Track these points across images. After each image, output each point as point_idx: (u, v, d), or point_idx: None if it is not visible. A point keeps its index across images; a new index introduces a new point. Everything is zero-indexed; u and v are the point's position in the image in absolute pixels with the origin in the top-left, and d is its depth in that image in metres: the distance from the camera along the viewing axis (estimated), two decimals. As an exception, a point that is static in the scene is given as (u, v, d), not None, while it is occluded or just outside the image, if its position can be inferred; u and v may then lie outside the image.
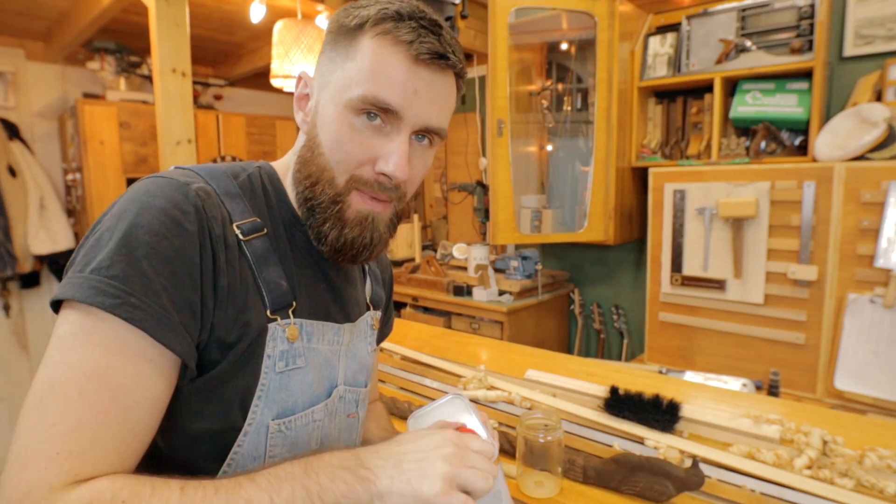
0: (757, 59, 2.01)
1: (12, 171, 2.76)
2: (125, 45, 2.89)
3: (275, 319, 0.59)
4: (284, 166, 0.67)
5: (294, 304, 0.61)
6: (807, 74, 1.94)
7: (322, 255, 0.65)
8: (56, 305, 0.50)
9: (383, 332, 0.86)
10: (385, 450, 0.53)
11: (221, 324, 0.54)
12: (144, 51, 2.95)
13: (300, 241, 0.64)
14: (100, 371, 0.47)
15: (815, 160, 1.85)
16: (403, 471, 0.50)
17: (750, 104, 2.04)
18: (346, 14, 0.59)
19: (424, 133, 0.61)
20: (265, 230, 0.60)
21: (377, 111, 0.57)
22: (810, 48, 1.92)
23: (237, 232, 0.57)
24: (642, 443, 0.95)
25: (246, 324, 0.56)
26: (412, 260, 3.33)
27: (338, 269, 0.69)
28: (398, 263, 3.31)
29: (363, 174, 0.59)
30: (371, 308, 0.78)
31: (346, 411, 0.70)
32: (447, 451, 0.52)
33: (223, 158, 3.02)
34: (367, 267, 0.79)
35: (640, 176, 2.48)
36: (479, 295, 2.64)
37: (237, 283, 0.56)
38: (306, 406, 0.62)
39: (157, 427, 0.51)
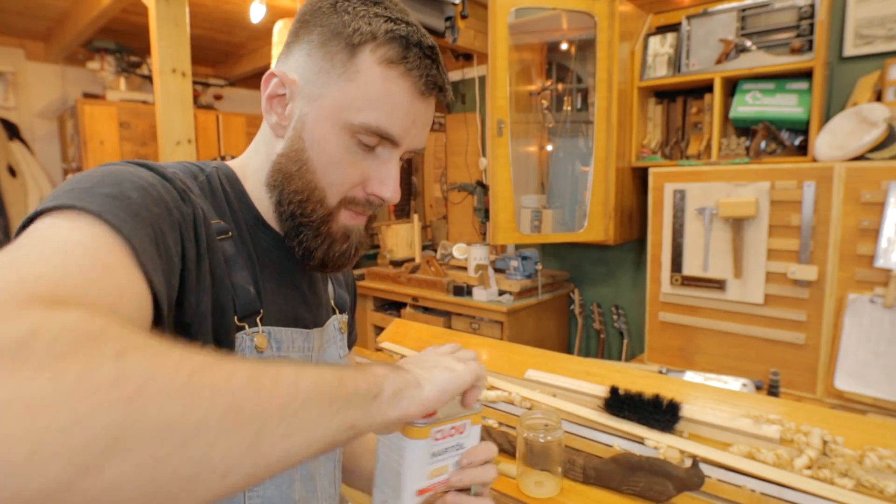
0: (757, 59, 2.01)
1: (12, 171, 2.76)
2: (125, 45, 2.89)
3: (242, 328, 0.56)
4: (242, 167, 0.64)
5: (261, 311, 0.58)
6: (807, 74, 1.94)
7: (288, 256, 0.63)
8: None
9: (349, 339, 0.82)
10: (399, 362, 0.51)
11: (203, 309, 0.50)
12: (144, 51, 2.95)
13: (264, 243, 0.62)
14: (86, 245, 0.36)
15: (815, 160, 1.85)
16: (429, 364, 0.49)
17: (750, 104, 2.04)
18: (340, 21, 0.55)
19: (406, 153, 0.62)
20: (230, 233, 0.58)
21: (377, 138, 0.57)
22: (810, 48, 1.92)
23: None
24: (642, 443, 0.95)
25: (220, 323, 0.53)
26: (412, 260, 3.33)
27: (303, 272, 0.67)
28: (398, 263, 3.31)
29: (355, 195, 0.60)
30: (336, 311, 0.75)
31: None
32: (451, 358, 0.52)
33: (223, 158, 3.03)
34: None
35: (640, 176, 2.48)
36: (479, 295, 2.64)
37: (218, 273, 0.53)
38: None
39: None
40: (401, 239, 3.41)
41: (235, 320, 0.55)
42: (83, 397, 0.24)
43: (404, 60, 0.55)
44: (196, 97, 3.18)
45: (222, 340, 0.54)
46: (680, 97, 2.36)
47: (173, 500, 0.27)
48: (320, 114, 0.57)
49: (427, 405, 0.44)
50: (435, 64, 0.57)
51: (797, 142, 2.00)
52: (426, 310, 2.90)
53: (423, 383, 0.45)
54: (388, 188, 0.59)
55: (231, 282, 0.55)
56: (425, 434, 0.50)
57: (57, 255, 0.34)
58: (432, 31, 2.14)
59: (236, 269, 0.57)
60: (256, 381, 0.32)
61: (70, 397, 0.24)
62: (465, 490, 0.55)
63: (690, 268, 2.02)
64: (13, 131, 2.85)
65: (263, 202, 0.62)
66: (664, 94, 2.44)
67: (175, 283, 0.46)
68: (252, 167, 0.63)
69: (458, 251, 2.93)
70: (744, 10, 2.08)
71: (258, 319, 0.58)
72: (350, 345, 0.80)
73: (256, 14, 2.22)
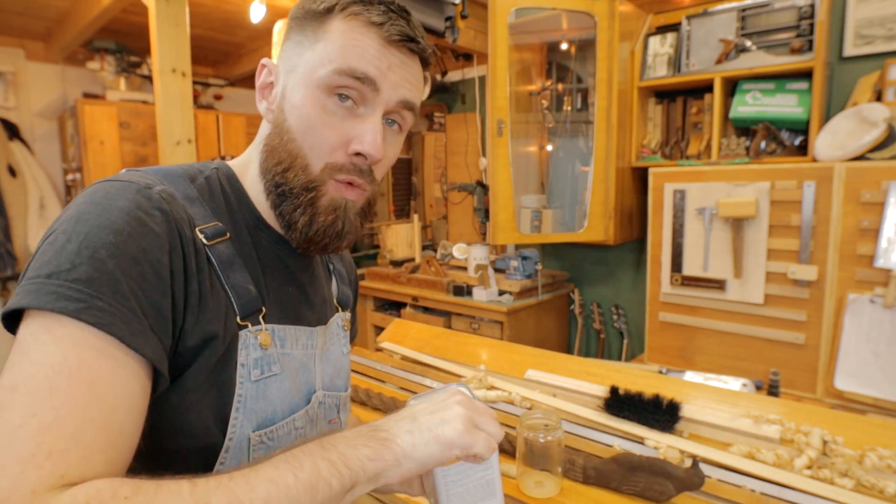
0: (757, 59, 2.01)
1: (12, 171, 2.76)
2: (125, 45, 2.89)
3: (245, 326, 0.56)
4: (243, 165, 0.65)
5: (264, 309, 0.59)
6: (807, 74, 1.94)
7: (289, 255, 0.64)
8: (8, 322, 0.45)
9: (351, 333, 0.82)
10: (396, 415, 0.53)
11: (192, 331, 0.51)
12: (144, 51, 2.95)
13: (265, 243, 0.62)
14: (70, 366, 0.41)
15: (815, 160, 1.85)
16: (421, 424, 0.50)
17: (750, 104, 2.04)
18: (312, 2, 0.59)
19: (398, 113, 0.60)
20: (228, 234, 0.58)
21: (354, 86, 0.56)
22: (810, 48, 1.92)
23: (201, 237, 0.54)
24: (642, 443, 0.95)
25: (215, 332, 0.53)
26: (412, 260, 3.33)
27: (305, 270, 0.67)
28: (398, 263, 3.31)
29: (338, 160, 0.58)
30: (340, 309, 0.76)
31: (326, 417, 0.68)
32: (458, 398, 0.54)
33: (223, 158, 3.02)
34: (331, 266, 0.78)
35: (640, 176, 2.48)
36: (479, 295, 2.64)
37: (207, 288, 0.53)
38: (286, 414, 0.60)
39: (140, 434, 0.46)
40: (401, 239, 3.41)
41: (238, 320, 0.56)
42: None
43: (367, 12, 0.56)
44: (196, 97, 3.17)
45: (221, 345, 0.54)
46: (680, 97, 2.36)
47: None
48: (297, 81, 0.58)
49: (406, 477, 0.49)
50: (402, 19, 0.58)
51: (797, 142, 2.00)
52: (426, 310, 2.90)
53: (402, 461, 0.48)
54: (367, 141, 0.57)
55: (229, 284, 0.56)
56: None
57: (45, 398, 0.39)
58: (432, 31, 2.14)
59: (234, 270, 0.57)
60: None
61: None
62: None
63: (690, 268, 2.02)
64: (13, 131, 2.85)
65: (262, 198, 0.62)
66: (664, 94, 2.44)
67: (171, 330, 0.49)
68: (253, 164, 0.64)
69: (458, 251, 2.93)
70: (744, 10, 2.08)
71: (261, 317, 0.58)
72: (351, 338, 0.81)
73: (256, 14, 2.22)
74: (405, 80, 0.59)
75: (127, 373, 0.44)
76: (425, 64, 0.63)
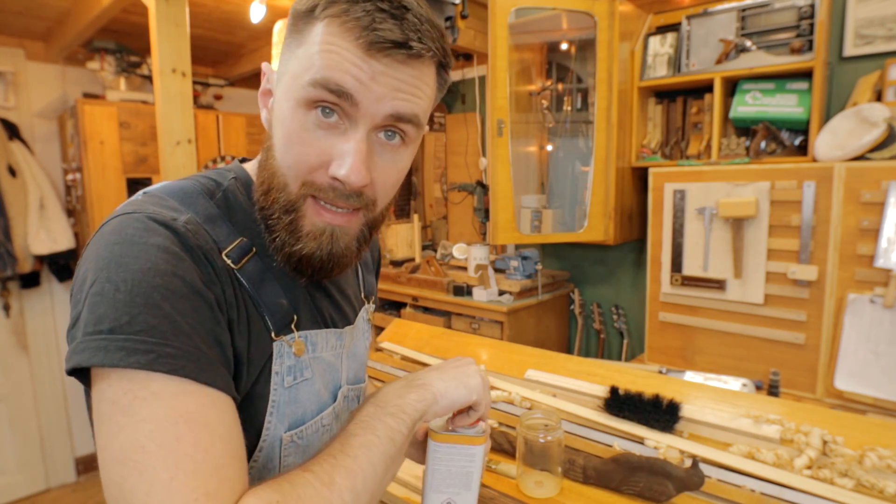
0: (757, 59, 2.01)
1: (12, 171, 2.76)
2: (125, 45, 2.89)
3: (279, 339, 0.57)
4: (254, 172, 0.63)
5: (296, 317, 0.59)
6: (807, 74, 1.94)
7: None
8: (77, 372, 0.45)
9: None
10: (426, 369, 0.64)
11: (235, 356, 0.52)
12: (144, 51, 2.95)
13: None
14: (179, 414, 0.43)
15: (815, 160, 1.85)
16: (449, 374, 0.62)
17: (750, 104, 2.04)
18: (300, 2, 0.53)
19: (393, 126, 0.53)
20: (254, 249, 0.56)
21: (332, 100, 0.50)
22: (810, 48, 1.92)
23: (228, 262, 0.53)
24: (642, 443, 0.95)
25: (252, 354, 0.54)
26: (412, 260, 3.33)
27: None
28: (398, 263, 3.31)
29: (316, 179, 0.53)
30: (366, 301, 0.78)
31: (350, 409, 0.71)
32: (474, 367, 0.65)
33: (223, 158, 3.02)
34: None
35: (640, 176, 2.48)
36: (479, 295, 2.64)
37: (243, 314, 0.53)
38: (315, 414, 0.62)
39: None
40: (401, 239, 3.41)
41: (272, 336, 0.57)
42: None
43: (346, 13, 0.49)
44: (196, 97, 3.17)
45: (258, 364, 0.56)
46: (680, 97, 2.36)
47: None
48: (282, 92, 0.54)
49: (439, 414, 0.60)
50: (394, 18, 0.49)
51: (797, 142, 2.00)
52: (426, 310, 2.90)
53: (439, 399, 0.59)
54: (344, 165, 0.51)
55: (262, 303, 0.56)
56: (484, 439, 0.65)
57: (177, 448, 0.42)
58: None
59: (265, 285, 0.56)
60: (372, 468, 0.50)
61: None
62: None
63: (690, 268, 2.02)
64: (13, 131, 2.85)
65: None
66: (664, 94, 2.44)
67: (231, 355, 0.51)
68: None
69: (458, 251, 2.92)
70: (744, 10, 2.08)
71: (293, 326, 0.59)
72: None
73: (256, 14, 2.22)
74: (395, 91, 0.51)
75: (219, 403, 0.47)
76: (441, 66, 0.55)
